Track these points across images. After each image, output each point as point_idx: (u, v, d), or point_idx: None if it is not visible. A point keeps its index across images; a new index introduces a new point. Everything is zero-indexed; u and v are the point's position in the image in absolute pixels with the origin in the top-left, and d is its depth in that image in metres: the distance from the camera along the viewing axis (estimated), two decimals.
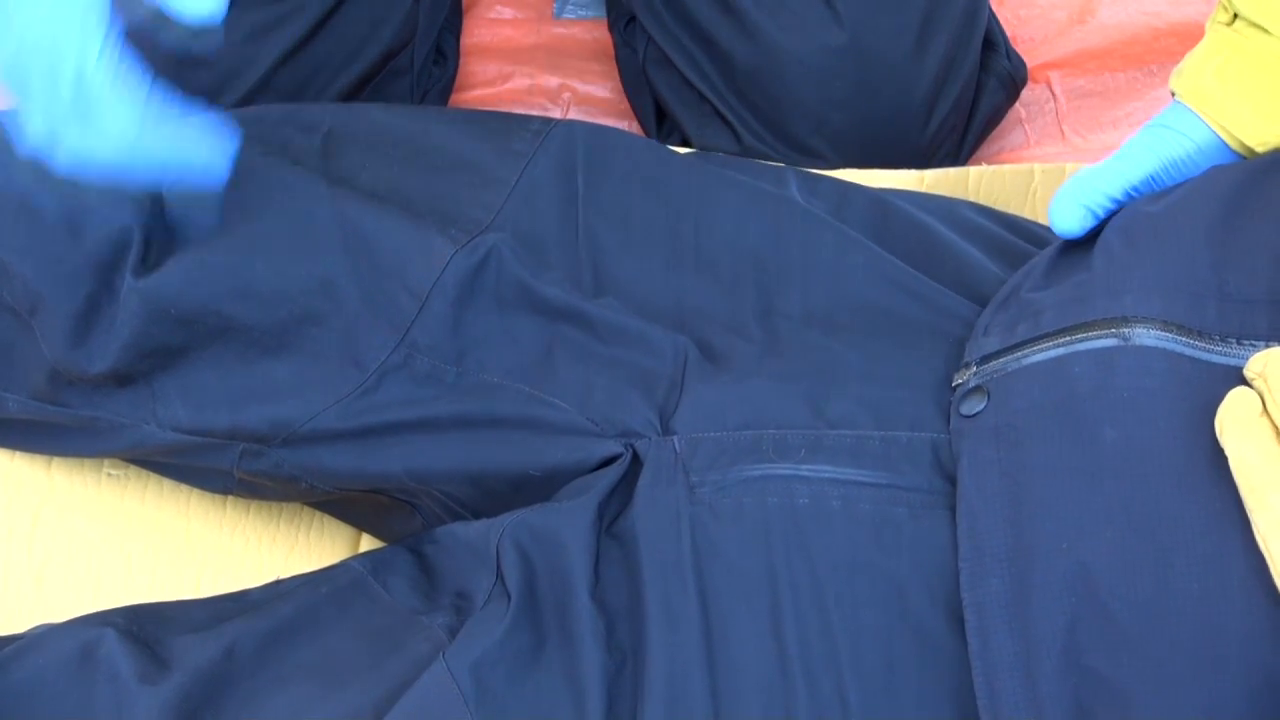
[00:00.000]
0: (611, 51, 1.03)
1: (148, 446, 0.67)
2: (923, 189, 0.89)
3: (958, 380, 0.57)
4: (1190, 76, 0.63)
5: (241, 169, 0.65)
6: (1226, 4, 0.63)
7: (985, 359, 0.56)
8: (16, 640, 0.62)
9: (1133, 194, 0.62)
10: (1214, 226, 0.55)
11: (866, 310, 0.63)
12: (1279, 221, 0.55)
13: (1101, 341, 0.52)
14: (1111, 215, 0.61)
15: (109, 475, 0.78)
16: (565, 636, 0.55)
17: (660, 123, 1.00)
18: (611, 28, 1.02)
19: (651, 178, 0.68)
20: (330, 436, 0.64)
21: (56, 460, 0.77)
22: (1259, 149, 0.61)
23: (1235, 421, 0.46)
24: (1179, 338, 0.51)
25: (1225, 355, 0.51)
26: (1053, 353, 0.53)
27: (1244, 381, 0.48)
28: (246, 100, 0.88)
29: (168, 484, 0.78)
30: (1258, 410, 0.46)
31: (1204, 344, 0.51)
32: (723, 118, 0.93)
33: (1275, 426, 0.45)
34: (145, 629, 0.61)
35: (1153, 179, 0.63)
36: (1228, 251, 0.54)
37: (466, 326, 0.63)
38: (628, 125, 1.03)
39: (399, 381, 0.64)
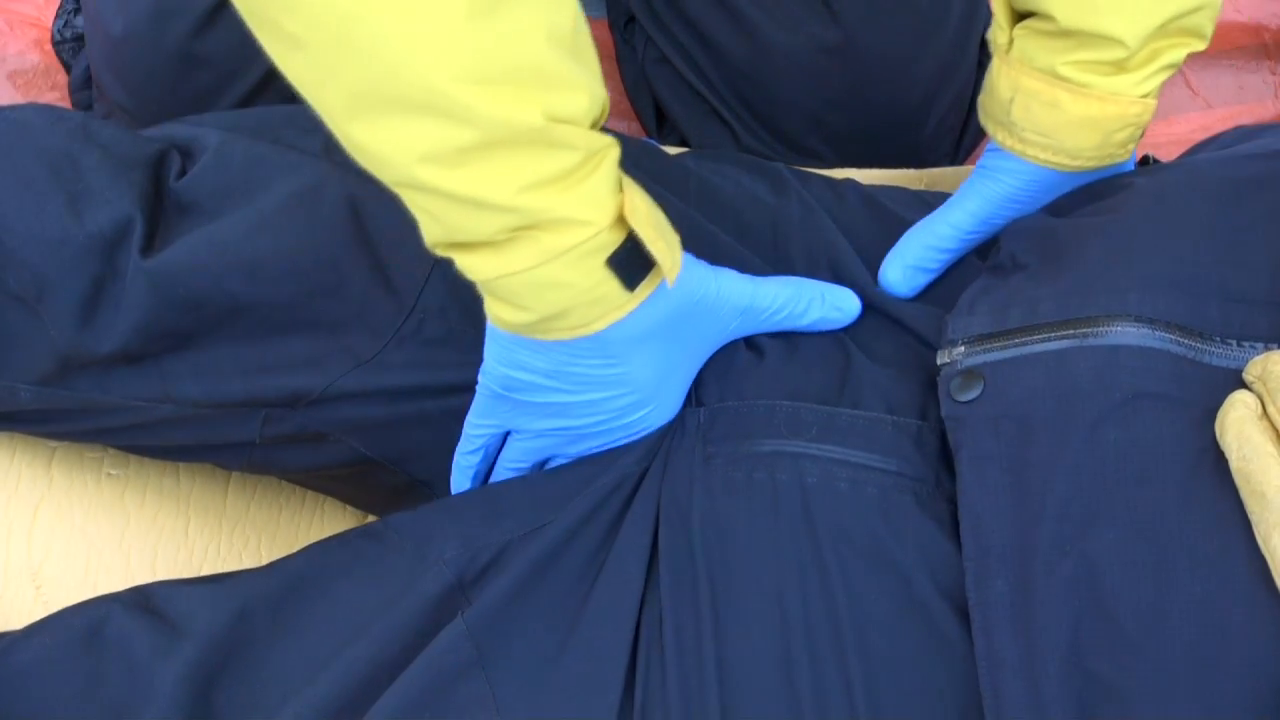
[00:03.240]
0: (611, 51, 1.03)
1: (165, 419, 0.67)
2: (921, 188, 0.89)
3: (944, 359, 0.57)
4: (995, 120, 0.63)
5: (248, 155, 0.66)
6: (1003, 21, 0.62)
7: (976, 339, 0.56)
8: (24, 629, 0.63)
9: (969, 239, 0.64)
10: (1215, 227, 0.55)
11: (870, 306, 0.63)
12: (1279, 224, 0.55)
13: (1104, 339, 0.52)
14: (951, 263, 0.62)
15: (109, 475, 0.78)
16: (597, 600, 0.56)
17: (660, 123, 1.00)
18: (612, 27, 1.02)
19: (652, 173, 0.68)
20: (353, 395, 0.65)
21: (56, 458, 0.77)
22: (1090, 164, 0.62)
23: (1235, 422, 0.46)
24: (1180, 339, 0.52)
25: (1226, 357, 0.51)
26: (1054, 345, 0.53)
27: (1244, 383, 0.48)
28: (246, 100, 0.88)
29: (167, 483, 0.78)
30: (1258, 413, 0.46)
31: (1205, 345, 0.51)
32: (721, 117, 0.93)
33: (1275, 429, 0.45)
34: (153, 599, 0.61)
35: (986, 221, 0.64)
36: (1230, 252, 0.54)
37: None
38: (627, 125, 1.03)
39: (416, 345, 0.64)
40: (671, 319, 0.57)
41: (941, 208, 0.65)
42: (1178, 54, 0.60)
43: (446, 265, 0.62)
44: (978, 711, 0.49)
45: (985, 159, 0.65)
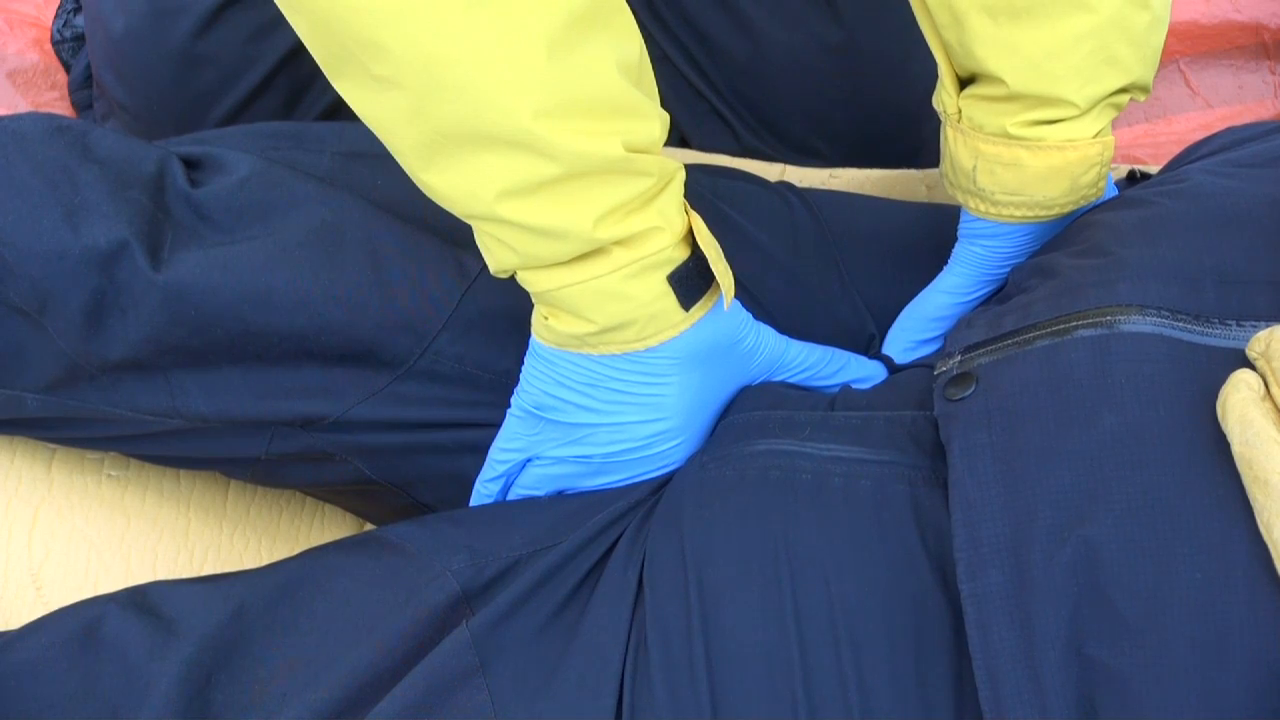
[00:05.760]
0: None
1: (171, 431, 0.67)
2: (923, 189, 0.89)
3: (940, 369, 0.57)
4: (963, 190, 0.64)
5: (267, 179, 0.66)
6: (950, 88, 0.64)
7: (970, 348, 0.57)
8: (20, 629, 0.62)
9: (966, 303, 0.66)
10: (1208, 218, 0.56)
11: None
12: (1274, 206, 0.55)
13: (1096, 330, 0.52)
14: (951, 330, 0.63)
15: (109, 476, 0.78)
16: (595, 608, 0.56)
17: None
18: None
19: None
20: (365, 424, 0.65)
21: (57, 459, 0.77)
22: (1067, 209, 0.63)
23: (1237, 405, 0.45)
24: (1176, 323, 0.51)
25: (1225, 338, 0.51)
26: (1045, 341, 0.54)
27: (1245, 363, 0.48)
28: (247, 101, 0.88)
29: (168, 485, 0.78)
30: (1260, 393, 0.45)
31: (1203, 327, 0.51)
32: (721, 116, 0.93)
33: (1278, 409, 0.45)
34: (149, 598, 0.61)
35: (980, 283, 0.66)
36: (1224, 237, 0.54)
37: (501, 335, 0.65)
38: None
39: (429, 380, 0.65)
40: (715, 349, 0.59)
41: (936, 279, 0.67)
42: (1122, 99, 0.62)
43: (463, 315, 0.64)
44: (974, 701, 0.49)
45: (964, 226, 0.66)
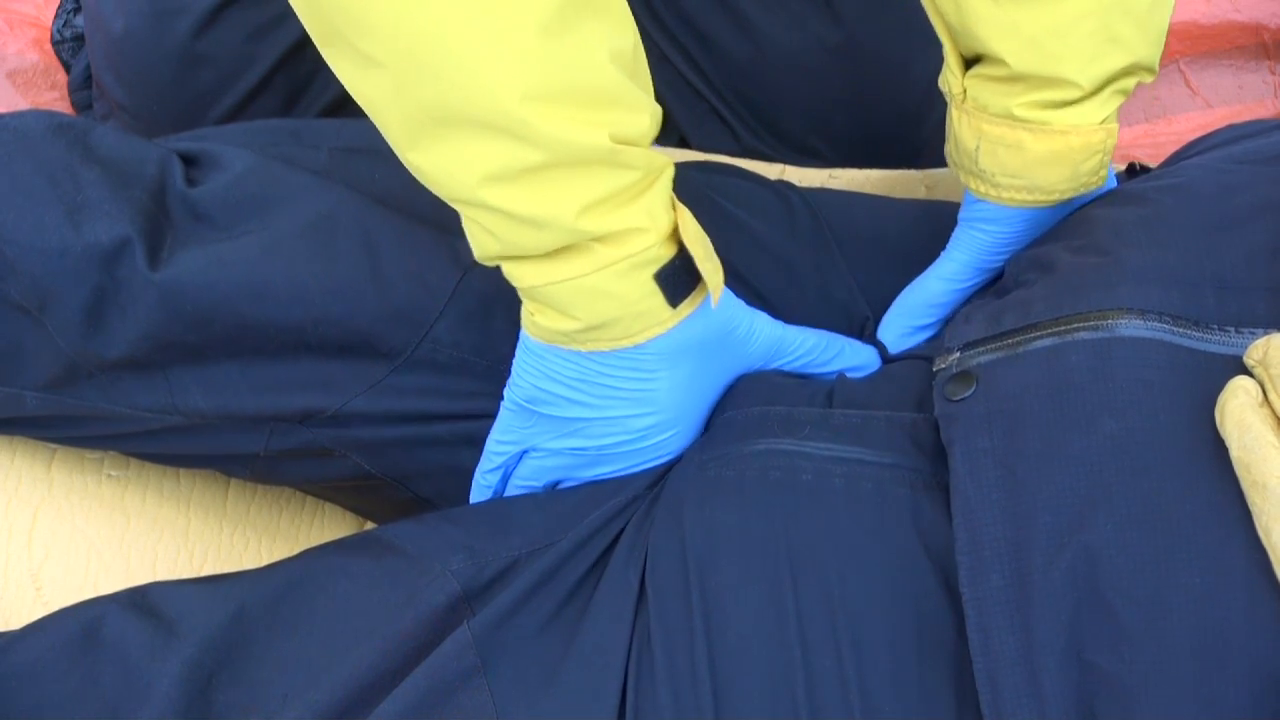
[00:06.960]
0: None
1: (170, 428, 0.67)
2: (922, 189, 0.89)
3: (939, 365, 0.57)
4: (965, 170, 0.64)
5: (262, 174, 0.66)
6: (955, 68, 0.63)
7: (969, 345, 0.57)
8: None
9: (963, 290, 0.66)
10: (1208, 220, 0.56)
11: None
12: (1274, 211, 0.55)
13: (1096, 333, 0.52)
14: (948, 324, 0.63)
15: (109, 476, 0.78)
16: (596, 609, 0.56)
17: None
18: None
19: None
20: (364, 416, 0.65)
21: (57, 459, 0.77)
22: (1067, 196, 0.63)
23: (1235, 410, 0.45)
24: (1176, 329, 0.51)
25: (1224, 344, 0.51)
26: (1046, 342, 0.54)
27: (1244, 370, 0.48)
28: (246, 101, 0.88)
29: (168, 485, 0.78)
30: (1258, 399, 0.46)
31: (1202, 333, 0.51)
32: (721, 117, 0.93)
33: (1276, 415, 0.45)
34: (149, 599, 0.61)
35: (979, 270, 0.66)
36: (1224, 241, 0.54)
37: (498, 321, 0.64)
38: None
39: (428, 371, 0.65)
40: (706, 343, 0.59)
41: (933, 264, 0.67)
42: (1129, 83, 0.61)
43: (459, 302, 0.63)
44: (974, 704, 0.49)
45: (965, 210, 0.66)
